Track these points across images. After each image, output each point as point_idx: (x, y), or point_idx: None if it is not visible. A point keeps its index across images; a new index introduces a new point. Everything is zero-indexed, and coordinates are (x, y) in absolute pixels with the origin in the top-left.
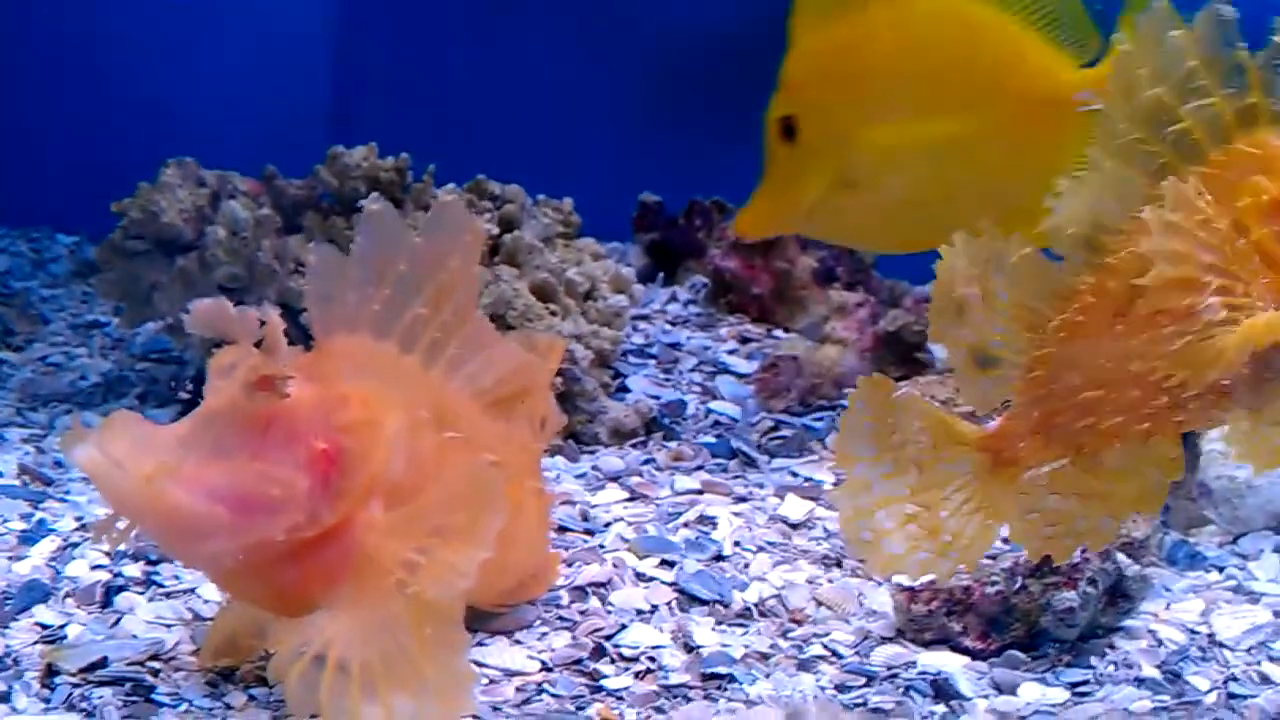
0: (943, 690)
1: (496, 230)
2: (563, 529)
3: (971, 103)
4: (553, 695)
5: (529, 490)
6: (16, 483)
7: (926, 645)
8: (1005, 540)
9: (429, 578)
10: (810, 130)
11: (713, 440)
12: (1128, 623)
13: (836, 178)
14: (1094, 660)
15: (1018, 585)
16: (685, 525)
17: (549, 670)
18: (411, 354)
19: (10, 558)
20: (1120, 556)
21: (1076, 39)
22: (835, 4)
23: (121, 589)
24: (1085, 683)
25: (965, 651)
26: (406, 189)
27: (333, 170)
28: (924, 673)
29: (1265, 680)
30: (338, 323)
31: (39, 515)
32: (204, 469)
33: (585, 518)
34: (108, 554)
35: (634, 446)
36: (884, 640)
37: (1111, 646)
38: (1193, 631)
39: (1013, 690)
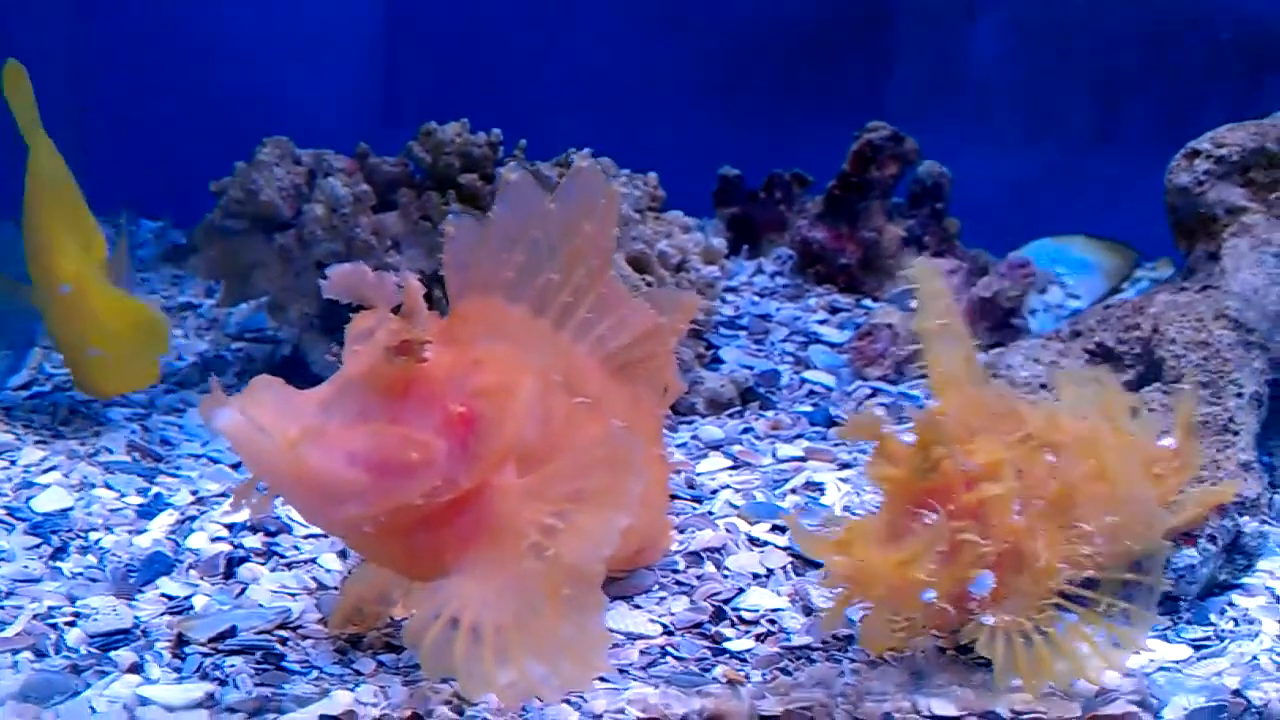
0: None
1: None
2: (671, 496)
3: None
4: (676, 658)
5: (653, 457)
6: (128, 459)
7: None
8: None
9: (568, 543)
10: None
11: (810, 409)
12: (1245, 580)
13: None
14: (1214, 617)
15: None
16: (793, 491)
17: (671, 634)
18: (543, 318)
19: (131, 531)
20: (1237, 515)
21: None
22: None
23: (243, 560)
24: (1207, 639)
25: None
26: (499, 164)
27: (426, 146)
28: None
29: None
30: (472, 288)
31: (154, 490)
32: (345, 433)
33: (692, 485)
34: (226, 526)
35: (731, 416)
36: None
37: (1230, 603)
38: None
39: None
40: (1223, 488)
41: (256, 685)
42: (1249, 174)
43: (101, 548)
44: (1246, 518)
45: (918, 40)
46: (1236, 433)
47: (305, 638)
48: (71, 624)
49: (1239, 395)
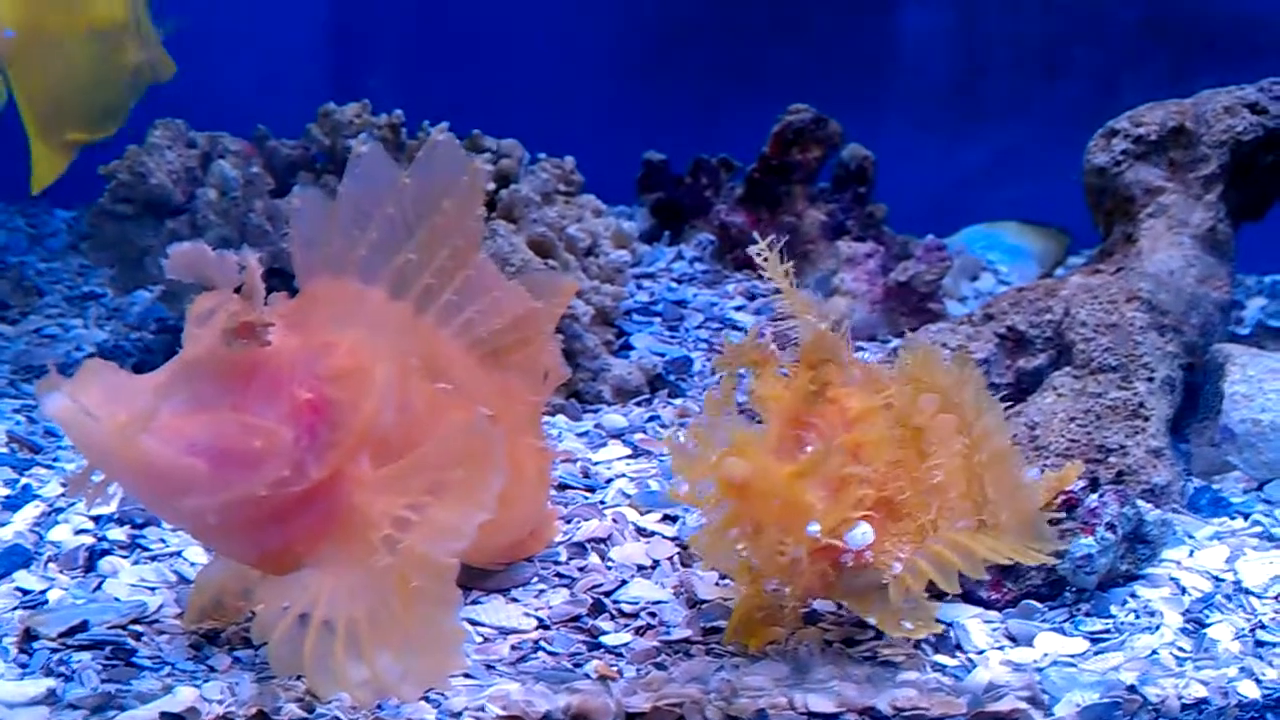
0: (955, 642)
1: (493, 184)
2: (563, 486)
3: None
4: (549, 653)
5: (527, 447)
6: (4, 450)
7: (939, 595)
8: None
9: (422, 536)
10: None
11: None
12: (1149, 570)
13: None
14: (1114, 609)
15: None
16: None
17: (546, 628)
18: (402, 300)
19: None
20: (1140, 502)
21: None
22: None
23: (106, 553)
24: (1106, 632)
25: (979, 602)
26: (401, 146)
27: (324, 128)
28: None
29: None
30: (323, 267)
31: (24, 481)
32: (182, 419)
33: (586, 475)
34: (93, 518)
35: (638, 404)
36: None
37: (1133, 595)
38: (1218, 579)
39: (1029, 641)
40: (1065, 472)
41: (103, 681)
42: (1168, 154)
43: None
44: (1150, 505)
45: (854, 23)
46: (1147, 418)
47: (161, 633)
48: None
49: (1149, 379)
